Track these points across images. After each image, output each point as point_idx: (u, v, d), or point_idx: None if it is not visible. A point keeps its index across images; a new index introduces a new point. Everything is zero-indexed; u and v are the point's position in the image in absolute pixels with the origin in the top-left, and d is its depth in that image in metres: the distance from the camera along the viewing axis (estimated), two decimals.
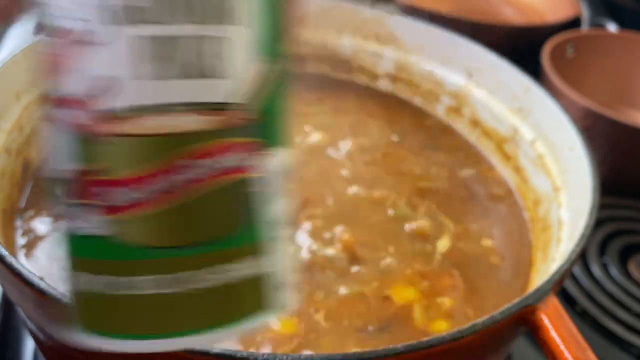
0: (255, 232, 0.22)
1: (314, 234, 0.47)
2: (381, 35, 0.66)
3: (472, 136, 0.62)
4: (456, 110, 0.63)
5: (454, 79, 0.63)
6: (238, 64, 0.20)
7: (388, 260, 0.46)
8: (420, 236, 0.49)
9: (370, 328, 0.41)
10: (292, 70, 0.22)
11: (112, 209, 0.20)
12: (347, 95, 0.66)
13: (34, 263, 0.42)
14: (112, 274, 0.20)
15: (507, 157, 0.58)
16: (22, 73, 0.49)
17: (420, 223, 0.50)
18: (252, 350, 0.38)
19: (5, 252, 0.32)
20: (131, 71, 0.19)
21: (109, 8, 0.18)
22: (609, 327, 0.57)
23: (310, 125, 0.60)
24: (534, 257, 0.49)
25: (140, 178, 0.19)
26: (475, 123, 0.62)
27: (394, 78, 0.67)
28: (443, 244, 0.49)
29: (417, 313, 0.43)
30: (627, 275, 0.62)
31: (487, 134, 0.60)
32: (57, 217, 0.21)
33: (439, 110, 0.65)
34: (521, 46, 0.93)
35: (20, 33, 0.80)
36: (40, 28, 0.19)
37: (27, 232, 0.45)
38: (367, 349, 0.38)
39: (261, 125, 0.21)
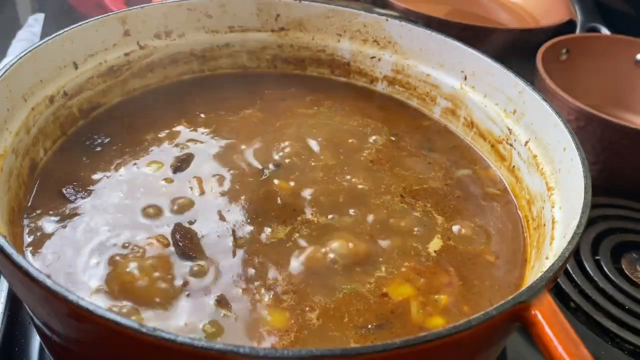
0: None
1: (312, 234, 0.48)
2: (379, 39, 0.67)
3: (467, 137, 0.63)
4: (452, 112, 0.64)
5: (450, 81, 0.64)
6: None
7: (385, 258, 0.47)
8: (417, 234, 0.50)
9: (369, 325, 0.42)
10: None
11: None
12: (346, 98, 0.67)
13: (40, 261, 0.43)
14: None
15: (501, 158, 0.59)
16: (30, 75, 0.50)
17: (415, 221, 0.51)
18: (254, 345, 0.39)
19: (12, 250, 0.33)
20: None
21: None
22: (602, 323, 0.58)
23: (310, 126, 0.61)
24: (528, 255, 0.50)
25: None
26: (471, 124, 0.63)
27: (391, 81, 0.68)
28: (439, 242, 0.50)
29: (414, 309, 0.43)
30: (620, 272, 0.63)
31: (482, 134, 0.61)
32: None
33: (435, 112, 0.66)
34: (516, 49, 0.94)
35: (28, 36, 0.81)
36: None
37: (34, 230, 0.45)
38: (366, 344, 0.40)
39: None
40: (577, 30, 0.97)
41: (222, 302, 0.41)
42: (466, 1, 1.18)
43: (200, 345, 0.29)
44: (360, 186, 0.54)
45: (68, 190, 0.49)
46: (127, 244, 0.45)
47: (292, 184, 0.53)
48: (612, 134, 0.70)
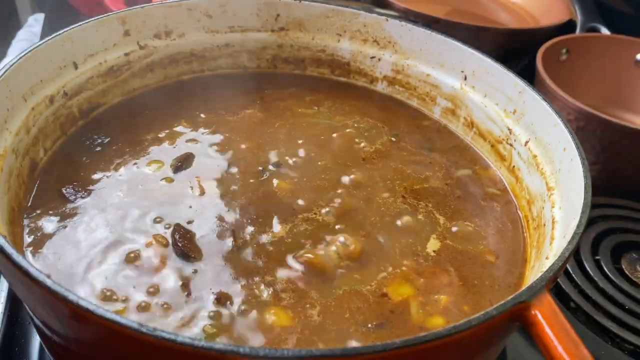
0: None
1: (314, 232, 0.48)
2: (379, 39, 0.67)
3: (467, 137, 0.63)
4: (452, 111, 0.64)
5: (450, 81, 0.64)
6: None
7: (385, 258, 0.47)
8: (416, 234, 0.50)
9: (369, 324, 0.42)
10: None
11: None
12: (346, 98, 0.67)
13: (40, 261, 0.43)
14: None
15: (501, 158, 0.59)
16: (30, 75, 0.50)
17: (415, 221, 0.51)
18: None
19: (12, 250, 0.33)
20: None
21: None
22: (602, 322, 0.58)
23: (310, 126, 0.61)
24: (528, 255, 0.50)
25: None
26: (471, 124, 0.63)
27: (391, 81, 0.68)
28: (439, 242, 0.50)
29: (414, 309, 0.43)
30: (620, 272, 0.63)
31: (482, 134, 0.61)
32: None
33: (435, 112, 0.66)
34: (516, 49, 0.94)
35: (28, 36, 0.81)
36: None
37: (34, 230, 0.45)
38: (366, 343, 0.40)
39: None
40: (577, 30, 0.97)
41: (221, 301, 0.41)
42: (466, 1, 1.18)
43: (200, 345, 0.29)
44: (360, 186, 0.54)
45: (68, 190, 0.49)
46: (126, 244, 0.45)
47: (292, 184, 0.53)
48: (612, 134, 0.70)
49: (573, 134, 0.49)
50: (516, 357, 0.54)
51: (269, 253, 0.46)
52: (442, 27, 0.72)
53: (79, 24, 0.55)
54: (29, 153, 0.49)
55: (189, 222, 0.47)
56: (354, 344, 0.40)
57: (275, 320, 0.41)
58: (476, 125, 0.62)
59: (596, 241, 0.66)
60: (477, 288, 0.46)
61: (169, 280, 0.43)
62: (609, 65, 0.88)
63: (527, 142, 0.55)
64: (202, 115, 0.61)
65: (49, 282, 0.31)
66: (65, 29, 0.54)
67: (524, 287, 0.35)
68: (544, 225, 0.48)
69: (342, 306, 0.43)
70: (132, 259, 0.44)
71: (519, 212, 0.54)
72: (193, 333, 0.39)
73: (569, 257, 0.38)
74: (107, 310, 0.30)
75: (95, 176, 0.51)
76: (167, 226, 0.47)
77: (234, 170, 0.54)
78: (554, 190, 0.49)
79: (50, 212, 0.47)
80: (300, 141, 0.59)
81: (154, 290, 0.42)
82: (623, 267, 0.64)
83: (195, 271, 0.43)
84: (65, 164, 0.52)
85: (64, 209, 0.47)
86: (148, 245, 0.45)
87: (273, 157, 0.56)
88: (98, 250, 0.44)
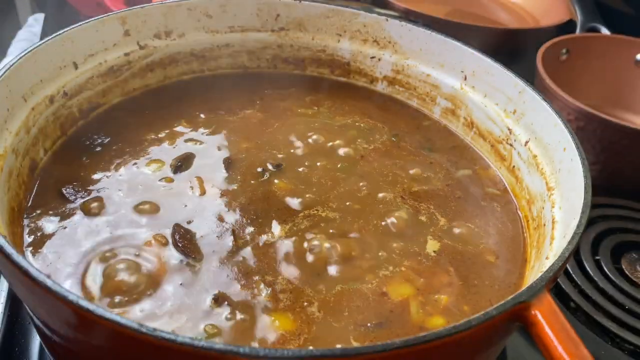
0: None
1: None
2: (379, 39, 0.67)
3: (467, 137, 0.63)
4: (452, 112, 0.64)
5: (450, 81, 0.64)
6: None
7: (385, 257, 0.47)
8: (416, 234, 0.50)
9: (369, 323, 0.42)
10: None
11: None
12: (346, 98, 0.67)
13: (40, 261, 0.43)
14: None
15: (501, 158, 0.59)
16: (30, 75, 0.50)
17: (415, 221, 0.51)
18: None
19: (12, 250, 0.33)
20: None
21: None
22: (602, 322, 0.58)
23: (310, 126, 0.61)
24: (528, 255, 0.50)
25: None
26: (471, 124, 0.63)
27: (391, 81, 0.68)
28: (438, 242, 0.50)
29: (414, 309, 0.43)
30: (620, 272, 0.63)
31: (482, 134, 0.61)
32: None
33: (435, 112, 0.66)
34: (515, 49, 0.94)
35: (28, 36, 0.81)
36: None
37: (34, 230, 0.45)
38: (366, 343, 0.40)
39: None
40: (577, 30, 0.97)
41: (221, 301, 0.41)
42: (466, 1, 1.18)
43: (200, 345, 0.29)
44: (360, 186, 0.54)
45: (68, 190, 0.49)
46: (126, 244, 0.45)
47: (291, 184, 0.53)
48: (612, 134, 0.70)
49: (573, 134, 0.49)
50: (516, 357, 0.54)
51: (269, 253, 0.46)
52: (442, 27, 0.72)
53: (79, 24, 0.55)
54: (29, 153, 0.49)
55: (189, 222, 0.47)
56: (353, 343, 0.40)
57: (275, 320, 0.41)
58: (476, 125, 0.62)
59: (596, 241, 0.66)
60: (477, 288, 0.46)
61: (169, 280, 0.43)
62: (609, 65, 0.88)
63: (527, 142, 0.55)
64: (202, 115, 0.61)
65: (49, 282, 0.31)
66: (65, 29, 0.54)
67: (524, 287, 0.35)
68: (544, 225, 0.48)
69: (342, 305, 0.43)
70: (131, 259, 0.44)
71: (519, 212, 0.54)
72: (193, 333, 0.39)
73: (569, 257, 0.38)
74: (107, 310, 0.30)
75: (95, 176, 0.51)
76: (167, 226, 0.47)
77: (234, 170, 0.54)
78: (554, 190, 0.49)
79: (50, 212, 0.47)
80: (300, 141, 0.59)
81: (153, 290, 0.42)
82: (623, 267, 0.64)
83: (195, 271, 0.43)
84: (65, 164, 0.52)
85: (64, 209, 0.47)
86: (148, 245, 0.45)
87: (273, 157, 0.56)
88: (98, 250, 0.44)
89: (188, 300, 0.41)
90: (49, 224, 0.46)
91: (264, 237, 0.47)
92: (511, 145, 0.57)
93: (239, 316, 0.41)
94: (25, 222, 0.46)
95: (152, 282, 0.42)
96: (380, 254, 0.47)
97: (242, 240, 0.47)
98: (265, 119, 0.62)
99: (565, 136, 0.49)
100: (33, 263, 0.42)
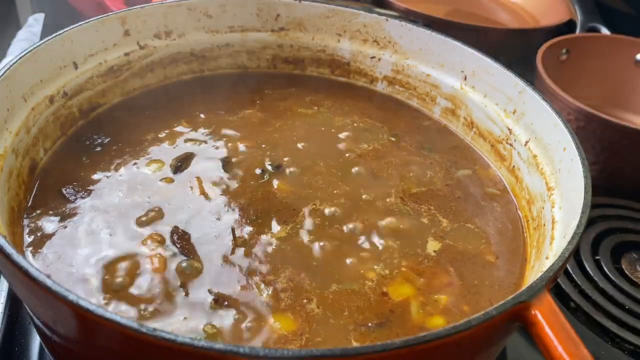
0: None
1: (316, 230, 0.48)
2: (379, 39, 0.67)
3: (467, 137, 0.63)
4: (452, 111, 0.64)
5: (450, 81, 0.64)
6: None
7: (385, 257, 0.47)
8: (416, 234, 0.50)
9: (369, 323, 0.42)
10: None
11: None
12: (346, 98, 0.67)
13: (40, 261, 0.43)
14: None
15: (501, 158, 0.59)
16: (30, 75, 0.50)
17: (415, 221, 0.51)
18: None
19: (12, 250, 0.33)
20: None
21: None
22: (602, 322, 0.58)
23: (310, 127, 0.61)
24: (528, 255, 0.50)
25: None
26: (471, 124, 0.63)
27: (391, 81, 0.68)
28: (438, 242, 0.50)
29: (414, 309, 0.43)
30: (620, 272, 0.63)
31: (482, 134, 0.61)
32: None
33: (435, 112, 0.66)
34: (515, 49, 0.94)
35: (28, 36, 0.81)
36: None
37: (34, 230, 0.45)
38: (366, 343, 0.40)
39: None
40: (577, 30, 0.97)
41: (221, 301, 0.41)
42: (466, 1, 1.18)
43: (200, 345, 0.29)
44: (360, 186, 0.54)
45: (68, 190, 0.49)
46: (126, 244, 0.45)
47: (291, 184, 0.53)
48: (612, 134, 0.70)
49: (573, 134, 0.49)
50: (516, 357, 0.54)
51: (268, 253, 0.46)
52: (442, 27, 0.72)
53: (79, 24, 0.55)
54: (29, 153, 0.49)
55: (188, 222, 0.47)
56: (353, 343, 0.40)
57: (276, 320, 0.41)
58: (476, 125, 0.62)
59: (596, 241, 0.66)
60: (477, 288, 0.46)
61: (169, 280, 0.43)
62: (609, 65, 0.88)
63: (527, 142, 0.55)
64: (202, 115, 0.61)
65: (49, 282, 0.31)
66: (65, 29, 0.54)
67: (524, 287, 0.35)
68: (544, 225, 0.48)
69: (342, 304, 0.43)
70: (131, 259, 0.44)
71: (519, 212, 0.54)
72: (193, 333, 0.39)
73: (569, 257, 0.38)
74: (107, 311, 0.30)
75: (95, 176, 0.51)
76: (166, 226, 0.47)
77: (234, 170, 0.54)
78: (554, 190, 0.49)
79: (50, 212, 0.47)
80: (300, 141, 0.59)
81: (153, 290, 0.42)
82: (623, 267, 0.64)
83: (195, 271, 0.43)
84: (65, 164, 0.52)
85: (64, 209, 0.47)
86: (147, 245, 0.45)
87: (273, 157, 0.56)
88: (98, 250, 0.44)
89: (188, 301, 0.41)
90: (49, 224, 0.46)
91: (263, 237, 0.47)
92: (511, 145, 0.57)
93: (239, 316, 0.41)
94: (25, 222, 0.46)
95: (152, 282, 0.42)
96: (380, 254, 0.47)
97: (242, 240, 0.47)
98: (265, 118, 0.62)
99: (565, 136, 0.49)
100: (33, 263, 0.42)
